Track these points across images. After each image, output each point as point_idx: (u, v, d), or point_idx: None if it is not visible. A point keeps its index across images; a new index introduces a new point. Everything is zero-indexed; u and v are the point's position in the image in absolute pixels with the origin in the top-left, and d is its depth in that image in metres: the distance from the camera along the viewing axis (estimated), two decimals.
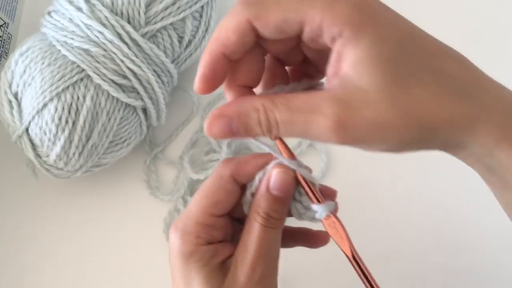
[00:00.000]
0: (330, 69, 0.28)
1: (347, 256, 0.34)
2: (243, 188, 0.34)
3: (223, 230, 0.34)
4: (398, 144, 0.28)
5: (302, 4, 0.27)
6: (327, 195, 0.34)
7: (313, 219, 0.34)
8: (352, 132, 0.27)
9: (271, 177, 0.33)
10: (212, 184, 0.34)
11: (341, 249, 0.34)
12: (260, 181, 0.33)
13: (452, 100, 0.27)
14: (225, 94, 0.32)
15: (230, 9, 0.29)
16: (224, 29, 0.29)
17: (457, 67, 0.28)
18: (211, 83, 0.30)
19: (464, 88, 0.28)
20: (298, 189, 0.34)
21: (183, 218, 0.33)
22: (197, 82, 0.31)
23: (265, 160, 0.34)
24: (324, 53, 0.29)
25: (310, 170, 0.34)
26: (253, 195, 0.34)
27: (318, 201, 0.33)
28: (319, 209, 0.33)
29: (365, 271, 0.34)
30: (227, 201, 0.34)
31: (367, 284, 0.34)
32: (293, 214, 0.35)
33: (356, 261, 0.34)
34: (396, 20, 0.28)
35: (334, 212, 0.34)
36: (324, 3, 0.27)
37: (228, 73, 0.31)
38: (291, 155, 0.33)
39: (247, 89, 0.32)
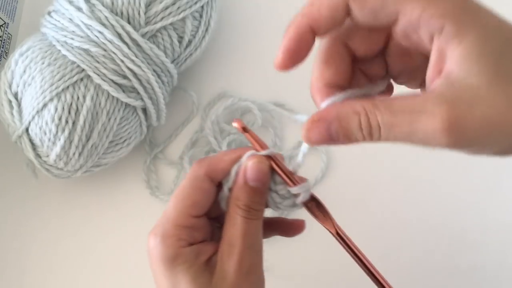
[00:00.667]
0: (430, 70, 0.27)
1: (332, 233, 0.35)
2: (218, 186, 0.35)
3: (203, 230, 0.34)
4: (511, 144, 0.26)
5: None
6: (299, 179, 0.35)
7: (293, 205, 0.35)
8: (465, 132, 0.25)
9: (247, 168, 0.33)
10: (188, 186, 0.34)
11: (325, 228, 0.35)
12: (236, 175, 0.34)
13: None
14: (312, 96, 0.31)
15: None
16: (317, 3, 0.28)
17: None
18: (294, 58, 0.29)
19: None
20: (273, 179, 0.34)
21: (160, 223, 0.33)
22: (279, 56, 0.29)
23: (237, 154, 0.34)
24: (409, 63, 0.28)
25: (282, 157, 0.34)
26: (230, 189, 0.34)
27: (295, 184, 0.34)
28: (301, 190, 0.34)
29: (351, 245, 0.34)
30: (205, 201, 0.34)
31: (356, 258, 0.34)
32: (269, 205, 0.35)
33: (340, 237, 0.34)
34: (499, 19, 0.27)
35: (314, 196, 0.35)
36: None
37: (315, 69, 0.30)
38: (263, 145, 0.34)
39: (336, 90, 0.30)
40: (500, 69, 0.25)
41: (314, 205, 0.35)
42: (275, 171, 0.34)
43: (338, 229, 0.35)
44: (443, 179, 0.53)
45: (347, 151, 0.54)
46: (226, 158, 0.34)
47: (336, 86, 0.30)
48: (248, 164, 0.33)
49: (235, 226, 0.33)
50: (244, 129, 0.34)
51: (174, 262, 0.32)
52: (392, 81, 0.33)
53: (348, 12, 0.27)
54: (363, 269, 0.34)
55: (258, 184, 0.33)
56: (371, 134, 0.27)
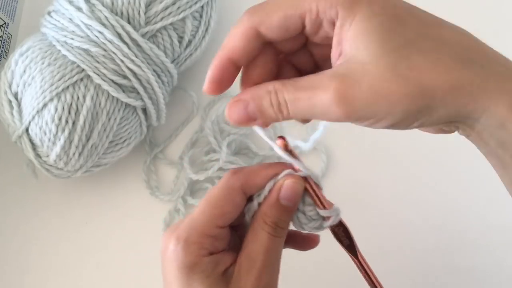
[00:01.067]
0: (332, 53, 0.29)
1: (354, 261, 0.35)
2: (248, 198, 0.34)
3: (225, 240, 0.34)
4: (403, 115, 0.27)
5: None
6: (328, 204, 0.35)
7: (319, 228, 0.34)
8: (353, 103, 0.27)
9: (284, 187, 0.33)
10: (221, 195, 0.33)
11: (349, 254, 0.35)
12: (269, 191, 0.33)
13: (456, 67, 0.27)
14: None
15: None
16: (231, 37, 0.31)
17: (459, 35, 0.28)
18: (218, 85, 0.31)
19: (468, 55, 0.27)
20: (302, 199, 0.34)
21: (186, 228, 0.32)
22: (206, 83, 0.32)
23: (274, 171, 0.34)
24: (329, 52, 0.30)
25: (318, 178, 0.34)
26: (259, 204, 0.34)
27: (325, 207, 0.34)
28: (331, 214, 0.34)
29: (371, 276, 0.35)
30: (235, 213, 0.33)
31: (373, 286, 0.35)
32: (294, 224, 0.35)
33: (363, 266, 0.35)
34: None
35: (341, 221, 0.35)
36: None
37: (243, 74, 0.32)
38: (301, 165, 0.34)
39: None
40: (386, 43, 0.27)
41: (341, 230, 0.35)
42: (308, 192, 0.34)
43: (361, 258, 0.35)
44: (443, 179, 0.53)
45: (347, 151, 0.54)
46: (263, 173, 0.34)
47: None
48: (285, 183, 0.33)
49: (258, 242, 0.32)
50: (286, 149, 0.33)
51: (193, 270, 0.31)
52: None
53: (261, 37, 0.30)
54: None
55: (290, 204, 0.33)
56: (281, 110, 0.30)
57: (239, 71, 0.32)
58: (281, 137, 0.34)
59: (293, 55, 0.33)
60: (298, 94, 0.29)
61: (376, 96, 0.27)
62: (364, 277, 0.35)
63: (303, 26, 0.29)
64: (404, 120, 0.28)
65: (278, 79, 0.31)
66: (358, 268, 0.35)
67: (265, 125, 0.32)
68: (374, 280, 0.35)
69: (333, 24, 0.28)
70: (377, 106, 0.27)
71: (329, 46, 0.30)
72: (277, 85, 0.30)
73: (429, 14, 0.29)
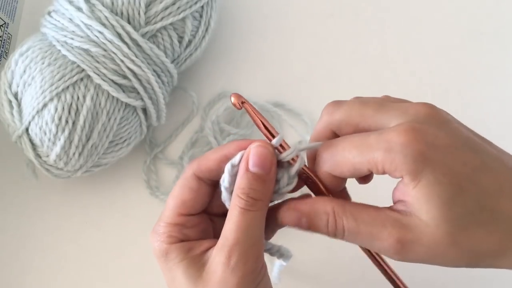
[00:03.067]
0: (396, 192, 0.32)
1: (368, 251, 0.35)
2: (215, 185, 0.35)
3: (197, 228, 0.35)
4: (456, 265, 0.31)
5: (366, 153, 0.31)
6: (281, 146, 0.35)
7: (290, 180, 0.34)
8: (410, 254, 0.30)
9: (249, 154, 0.32)
10: (177, 185, 0.35)
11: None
12: (228, 173, 0.33)
13: (505, 237, 0.30)
14: None
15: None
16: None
17: (510, 206, 0.30)
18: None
19: None
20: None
21: (156, 222, 0.35)
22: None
23: (223, 151, 0.34)
24: None
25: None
26: (226, 189, 0.33)
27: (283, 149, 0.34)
28: (291, 154, 0.33)
29: (381, 261, 0.36)
30: (195, 200, 0.34)
31: (387, 271, 0.37)
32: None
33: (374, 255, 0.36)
34: (453, 160, 0.30)
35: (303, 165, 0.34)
36: (383, 154, 0.30)
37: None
38: (262, 118, 0.34)
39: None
40: (447, 211, 0.29)
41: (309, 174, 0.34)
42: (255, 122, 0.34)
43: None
44: None
45: None
46: (212, 156, 0.34)
47: None
48: (251, 149, 0.33)
49: (231, 218, 0.32)
50: (243, 103, 0.34)
51: (167, 256, 0.33)
52: None
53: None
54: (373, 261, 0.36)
55: (260, 170, 0.32)
56: (336, 234, 0.32)
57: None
58: (235, 94, 0.34)
59: None
60: (358, 227, 0.31)
61: (432, 256, 0.30)
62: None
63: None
64: (462, 265, 0.31)
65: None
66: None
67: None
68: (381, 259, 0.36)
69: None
70: (429, 261, 0.31)
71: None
72: (337, 208, 0.32)
73: (492, 178, 0.30)
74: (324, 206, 0.32)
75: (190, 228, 0.34)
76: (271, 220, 0.34)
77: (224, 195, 0.34)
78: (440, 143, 0.30)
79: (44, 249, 0.53)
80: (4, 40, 0.58)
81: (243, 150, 0.33)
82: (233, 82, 0.58)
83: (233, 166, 0.33)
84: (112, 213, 0.54)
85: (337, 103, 0.34)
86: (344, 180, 0.34)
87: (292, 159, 0.33)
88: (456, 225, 0.29)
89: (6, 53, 0.58)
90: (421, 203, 0.29)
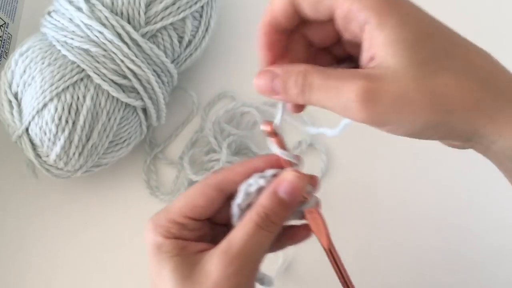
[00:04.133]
0: (363, 57, 0.30)
1: (324, 249, 0.35)
2: (231, 197, 0.35)
3: (195, 232, 0.34)
4: (422, 126, 0.28)
5: None
6: (311, 184, 0.35)
7: (296, 212, 0.34)
8: (376, 105, 0.28)
9: (284, 179, 0.33)
10: (196, 189, 0.35)
11: (320, 242, 0.34)
12: (245, 193, 0.33)
13: (478, 89, 0.28)
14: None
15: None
16: (272, 2, 0.31)
17: (483, 59, 0.29)
18: (271, 51, 0.32)
19: (490, 79, 0.29)
20: None
21: (158, 213, 0.35)
22: (261, 51, 0.33)
23: (251, 165, 0.34)
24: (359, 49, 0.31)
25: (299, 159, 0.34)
26: (239, 206, 0.34)
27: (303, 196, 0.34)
28: (310, 191, 0.34)
29: (339, 264, 0.35)
30: (207, 208, 0.34)
31: (340, 277, 0.35)
32: None
33: (331, 254, 0.34)
34: (419, 11, 0.29)
35: (317, 205, 0.35)
36: None
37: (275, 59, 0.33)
38: (287, 151, 0.34)
39: None
40: (415, 54, 0.28)
41: (315, 218, 0.35)
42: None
43: (331, 246, 0.35)
44: (444, 179, 0.53)
45: (347, 151, 0.54)
46: (238, 169, 0.35)
47: None
48: (288, 175, 0.33)
49: (242, 229, 0.32)
50: (273, 134, 0.34)
51: (160, 249, 0.33)
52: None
53: (294, 6, 0.31)
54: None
55: (287, 198, 0.33)
56: (304, 91, 0.30)
57: (284, 39, 0.33)
58: (268, 122, 0.34)
59: (329, 50, 0.34)
60: (326, 81, 0.29)
61: (400, 103, 0.28)
62: (333, 266, 0.35)
63: (333, 16, 0.30)
64: (423, 131, 0.29)
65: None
66: (328, 256, 0.35)
67: (287, 102, 0.33)
68: (343, 271, 0.35)
69: (362, 27, 0.29)
70: (399, 113, 0.28)
71: (359, 45, 0.30)
72: (309, 68, 0.30)
73: (457, 34, 0.30)
74: (297, 66, 0.31)
75: (190, 230, 0.34)
76: (286, 237, 0.35)
77: (235, 211, 0.34)
78: (408, 1, 0.29)
79: (44, 249, 0.53)
80: (4, 40, 0.58)
81: (271, 166, 0.34)
82: (233, 82, 0.58)
83: (249, 185, 0.34)
84: (112, 213, 0.54)
85: None
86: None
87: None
88: (424, 69, 0.28)
89: (6, 53, 0.58)
90: (389, 47, 0.28)
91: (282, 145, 0.34)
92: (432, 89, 0.28)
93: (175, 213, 0.34)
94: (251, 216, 0.33)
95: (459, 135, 0.29)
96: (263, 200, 0.33)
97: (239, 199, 0.34)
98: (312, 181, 0.35)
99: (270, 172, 0.34)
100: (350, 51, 0.33)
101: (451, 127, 0.28)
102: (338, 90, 0.29)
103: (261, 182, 0.33)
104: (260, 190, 0.33)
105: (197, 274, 0.32)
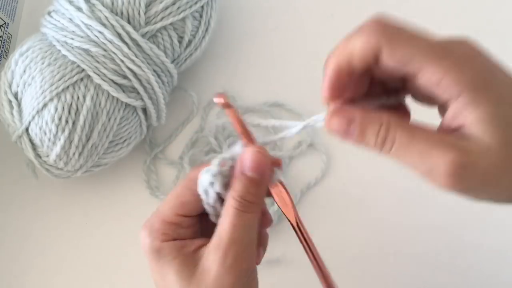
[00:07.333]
0: (445, 122, 0.29)
1: (291, 223, 0.34)
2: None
3: (191, 228, 0.35)
4: (507, 198, 0.29)
5: (433, 50, 0.28)
6: (273, 164, 0.35)
7: None
8: (468, 177, 0.27)
9: (246, 157, 0.33)
10: (180, 186, 0.35)
11: (286, 216, 0.34)
12: (203, 192, 0.34)
13: None
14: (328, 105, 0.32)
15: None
16: (351, 43, 0.30)
17: None
18: (337, 91, 0.31)
19: None
20: None
21: (151, 217, 0.35)
22: (325, 89, 0.31)
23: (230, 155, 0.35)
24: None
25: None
26: (208, 204, 0.34)
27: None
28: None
29: (307, 238, 0.34)
30: (195, 202, 0.35)
31: (309, 253, 0.34)
32: None
33: (299, 228, 0.34)
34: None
35: (280, 181, 0.35)
36: (451, 63, 0.28)
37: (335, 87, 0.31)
38: (243, 125, 0.34)
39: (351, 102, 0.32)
40: (507, 133, 0.27)
41: (280, 193, 0.34)
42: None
43: (298, 221, 0.34)
44: None
45: (347, 151, 0.54)
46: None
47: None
48: (248, 153, 0.33)
49: (226, 218, 0.33)
50: (227, 105, 0.34)
51: (159, 253, 0.34)
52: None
53: (377, 55, 0.29)
54: (312, 263, 0.35)
55: (256, 175, 0.33)
56: (384, 145, 0.29)
57: (349, 79, 0.31)
58: (221, 94, 0.34)
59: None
60: (411, 141, 0.28)
61: (486, 183, 0.28)
62: (301, 241, 0.35)
63: (415, 76, 0.29)
64: (504, 201, 0.29)
65: (367, 98, 0.31)
66: (296, 232, 0.35)
67: (355, 143, 0.31)
68: (314, 251, 0.34)
69: (449, 96, 0.28)
70: (486, 189, 0.28)
71: (430, 97, 0.29)
72: (393, 121, 0.29)
73: None
74: (379, 115, 0.29)
75: (185, 228, 0.35)
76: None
77: (207, 209, 0.35)
78: (504, 70, 0.29)
79: (44, 249, 0.53)
80: (4, 40, 0.58)
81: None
82: (233, 82, 0.58)
83: (202, 185, 0.34)
84: (112, 213, 0.54)
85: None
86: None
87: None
88: None
89: (6, 53, 0.58)
90: (485, 123, 0.27)
91: (237, 116, 0.34)
92: None
93: (166, 213, 0.35)
94: (230, 203, 0.33)
95: None
96: (235, 185, 0.33)
97: (204, 200, 0.34)
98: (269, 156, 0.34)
99: (215, 162, 0.34)
100: (413, 92, 0.32)
101: None
102: (425, 155, 0.28)
103: (210, 178, 0.33)
104: (212, 184, 0.33)
105: (199, 272, 0.33)
